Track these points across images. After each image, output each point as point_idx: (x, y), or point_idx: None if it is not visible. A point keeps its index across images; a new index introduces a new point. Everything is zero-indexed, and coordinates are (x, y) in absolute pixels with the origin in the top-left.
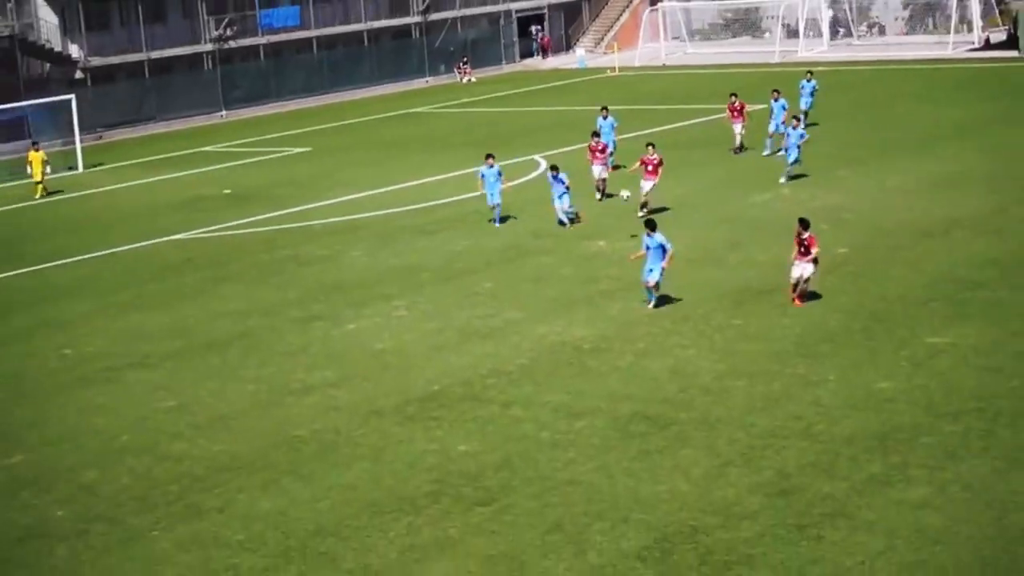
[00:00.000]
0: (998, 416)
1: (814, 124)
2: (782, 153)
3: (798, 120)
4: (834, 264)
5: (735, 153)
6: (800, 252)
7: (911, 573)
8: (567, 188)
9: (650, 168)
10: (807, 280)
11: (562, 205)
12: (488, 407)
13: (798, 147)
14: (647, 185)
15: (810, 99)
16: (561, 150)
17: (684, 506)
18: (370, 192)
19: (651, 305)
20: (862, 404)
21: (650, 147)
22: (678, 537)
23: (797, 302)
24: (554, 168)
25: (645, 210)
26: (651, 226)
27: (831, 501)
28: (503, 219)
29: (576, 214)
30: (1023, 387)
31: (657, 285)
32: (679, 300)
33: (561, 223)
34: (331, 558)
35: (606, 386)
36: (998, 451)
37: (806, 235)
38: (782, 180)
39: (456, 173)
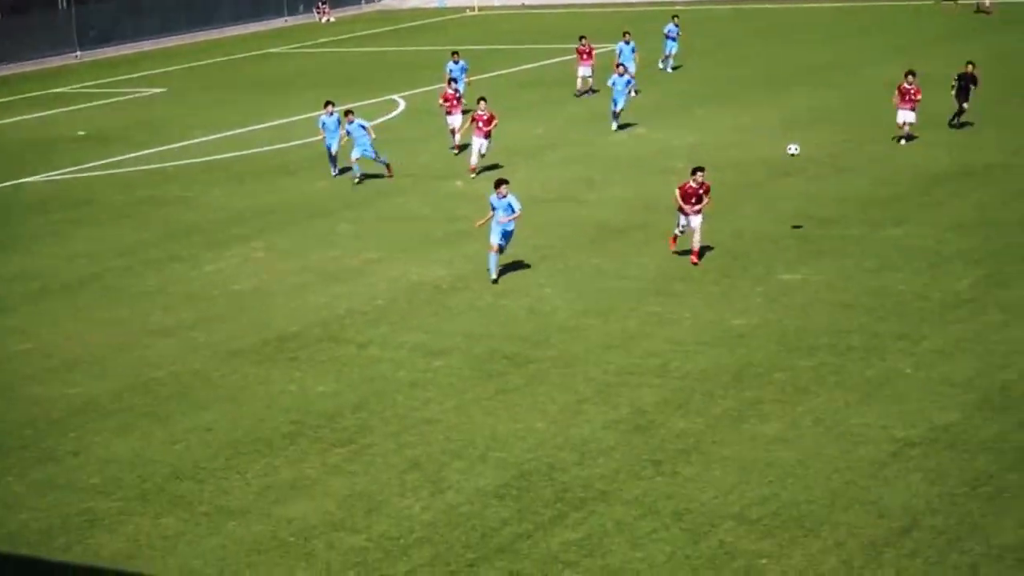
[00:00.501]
0: (849, 351)
1: (679, 67)
2: (633, 95)
3: (624, 68)
4: None
5: (578, 96)
6: (692, 202)
7: (764, 506)
8: (369, 134)
9: (480, 124)
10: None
11: (361, 154)
12: (346, 347)
13: (625, 94)
14: (479, 143)
15: (675, 43)
16: (419, 90)
17: (541, 443)
18: (228, 133)
19: (493, 276)
20: (716, 341)
21: (481, 102)
22: (535, 475)
23: (694, 259)
24: (349, 113)
25: (474, 174)
26: (501, 184)
27: (686, 437)
28: (343, 170)
29: (386, 164)
30: (873, 323)
31: (501, 248)
32: (537, 239)
33: (357, 178)
34: (188, 500)
35: (464, 325)
36: (849, 385)
37: (701, 179)
38: (613, 127)
39: (314, 114)
